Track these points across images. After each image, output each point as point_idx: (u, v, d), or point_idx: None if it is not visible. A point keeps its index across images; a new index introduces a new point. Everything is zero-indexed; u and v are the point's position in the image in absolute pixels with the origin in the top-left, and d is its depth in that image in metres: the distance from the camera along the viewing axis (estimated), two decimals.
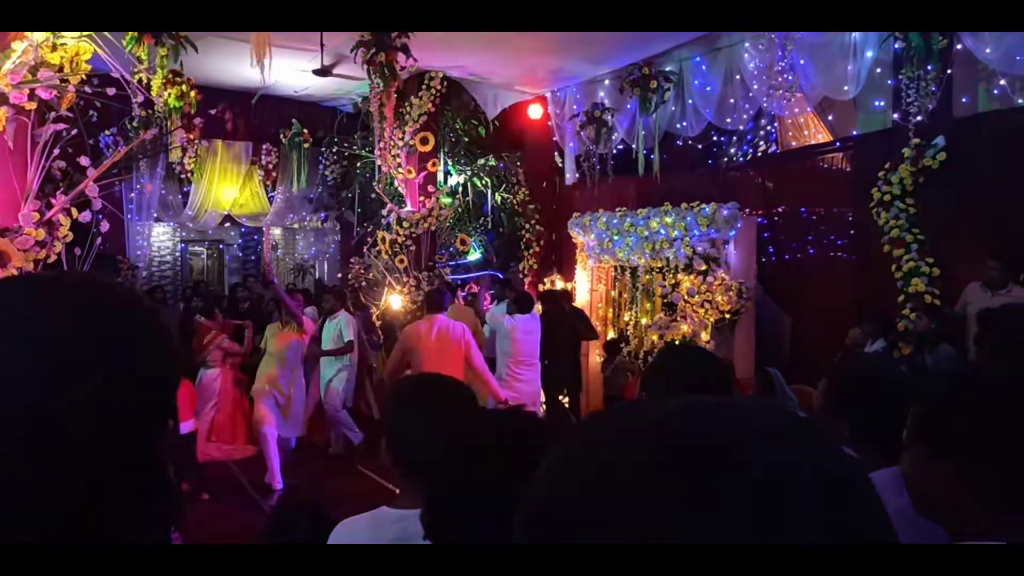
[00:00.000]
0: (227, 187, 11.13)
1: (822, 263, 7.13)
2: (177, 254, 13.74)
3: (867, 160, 6.54)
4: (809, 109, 7.73)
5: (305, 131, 10.67)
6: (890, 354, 5.89)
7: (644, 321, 7.96)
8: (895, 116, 6.20)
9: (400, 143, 8.81)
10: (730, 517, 0.39)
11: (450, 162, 9.84)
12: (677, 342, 6.89)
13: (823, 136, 8.29)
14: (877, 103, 6.67)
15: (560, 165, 10.15)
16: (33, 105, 4.52)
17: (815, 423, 0.47)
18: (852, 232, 6.88)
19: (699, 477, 0.41)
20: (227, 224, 12.77)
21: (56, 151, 4.64)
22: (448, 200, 9.50)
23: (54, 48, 4.50)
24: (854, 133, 7.37)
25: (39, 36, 4.35)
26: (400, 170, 8.98)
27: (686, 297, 6.88)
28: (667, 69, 7.99)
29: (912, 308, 5.82)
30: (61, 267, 4.78)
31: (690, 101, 8.03)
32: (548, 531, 0.44)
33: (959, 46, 5.79)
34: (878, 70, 6.43)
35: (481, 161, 10.13)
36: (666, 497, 0.41)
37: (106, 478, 0.63)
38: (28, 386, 0.59)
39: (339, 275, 11.76)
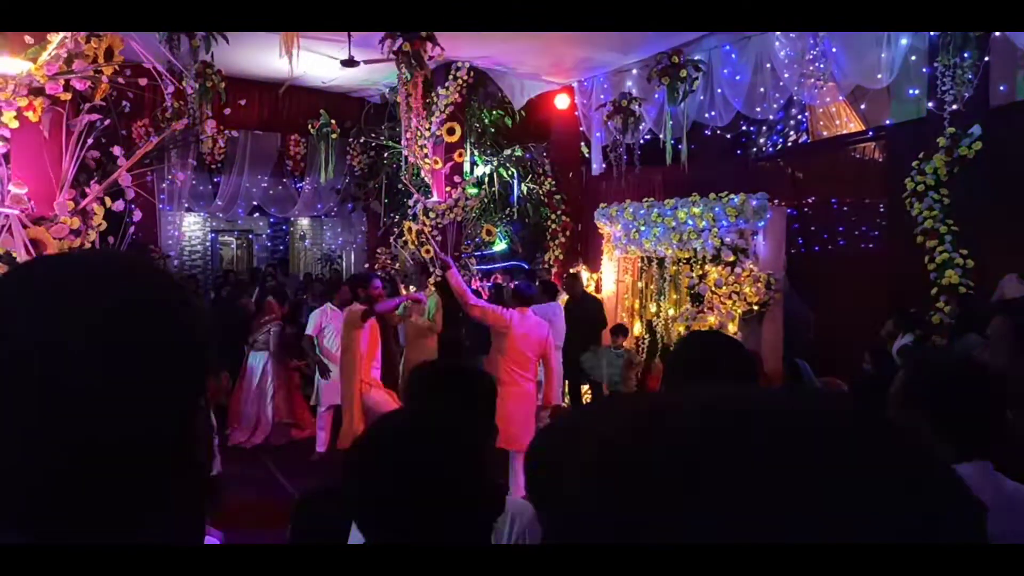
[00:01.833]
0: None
1: (853, 255, 7.02)
2: (208, 243, 13.93)
3: (900, 150, 6.42)
4: (841, 98, 7.60)
5: (333, 122, 10.74)
6: (920, 347, 5.80)
7: (671, 312, 7.92)
8: (930, 105, 6.07)
9: (427, 133, 8.83)
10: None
11: (476, 152, 9.83)
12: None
13: (855, 125, 8.15)
14: (911, 91, 6.53)
15: (587, 155, 10.10)
16: (68, 96, 4.60)
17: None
18: (884, 223, 6.77)
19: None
20: (256, 214, 12.92)
21: (90, 141, 4.72)
22: (474, 190, 9.51)
23: (88, 39, 4.57)
24: (887, 122, 7.23)
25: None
26: (427, 160, 9.00)
27: (713, 288, 6.83)
28: (696, 58, 7.90)
29: (945, 300, 5.72)
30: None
31: (719, 90, 7.92)
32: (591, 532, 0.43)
33: (997, 33, 5.65)
34: (913, 58, 6.30)
35: (507, 151, 10.12)
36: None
37: (137, 453, 0.63)
38: (62, 358, 0.60)
39: (366, 265, 11.82)
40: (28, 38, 4.40)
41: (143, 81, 4.75)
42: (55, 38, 4.39)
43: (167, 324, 0.65)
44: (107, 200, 4.83)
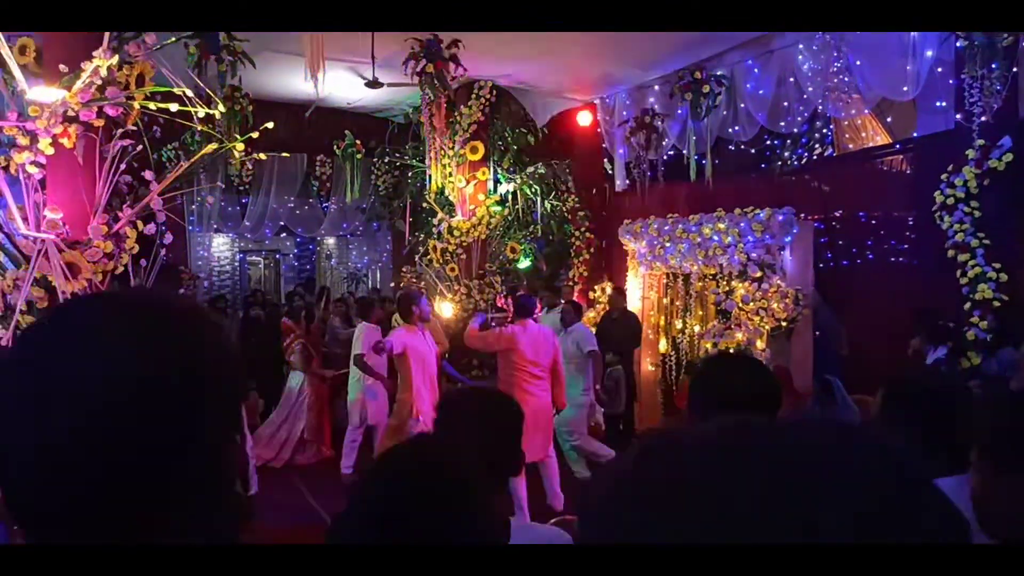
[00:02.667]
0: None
1: (882, 268, 6.93)
2: (236, 263, 14.11)
3: (929, 162, 6.35)
4: (867, 111, 7.54)
5: (358, 142, 10.87)
6: (954, 362, 5.70)
7: (697, 329, 7.86)
8: (958, 117, 6.00)
9: (450, 152, 8.90)
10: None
11: (499, 170, 9.89)
12: (731, 350, 6.78)
13: (881, 138, 8.07)
14: (939, 103, 6.46)
15: (610, 171, 10.11)
16: (101, 122, 4.71)
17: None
18: (913, 236, 6.68)
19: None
20: (283, 234, 13.07)
21: (122, 166, 4.82)
22: (497, 208, 9.55)
23: (120, 67, 4.68)
24: (915, 135, 7.15)
25: (108, 58, 4.52)
26: (451, 179, 9.06)
27: (740, 304, 6.77)
28: (718, 73, 7.89)
29: (980, 315, 5.62)
30: (128, 279, 4.96)
31: (742, 105, 7.90)
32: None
33: None
34: (939, 69, 6.23)
35: (530, 169, 10.16)
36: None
37: (172, 494, 0.65)
38: (98, 399, 0.62)
39: (391, 284, 11.90)
40: (63, 67, 4.53)
41: (173, 107, 4.85)
42: (89, 66, 4.51)
43: (204, 365, 0.67)
44: (139, 223, 4.92)
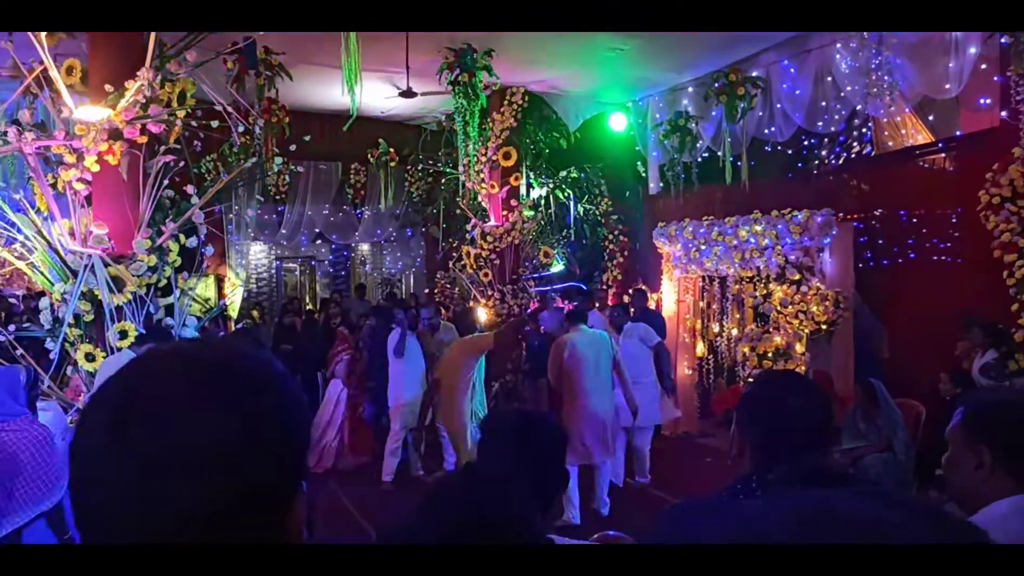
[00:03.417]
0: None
1: (924, 267, 6.78)
2: (273, 271, 14.31)
3: (972, 161, 6.20)
4: (908, 109, 7.39)
5: (391, 150, 10.96)
6: (1003, 366, 5.56)
7: (735, 332, 7.78)
8: (1003, 114, 5.86)
9: (483, 159, 8.93)
10: None
11: (532, 175, 9.89)
12: (770, 354, 6.69)
13: (923, 136, 7.90)
14: (983, 101, 6.31)
15: (643, 174, 10.05)
16: (144, 139, 4.82)
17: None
18: (957, 235, 6.53)
19: None
20: (318, 241, 13.22)
21: (166, 182, 4.92)
22: (530, 213, 9.56)
23: (162, 84, 4.78)
24: (957, 133, 6.99)
25: (152, 76, 4.62)
26: (483, 185, 9.09)
27: (779, 308, 6.68)
28: (753, 74, 7.80)
29: None
30: (171, 290, 5.06)
31: (778, 105, 7.79)
32: None
33: None
34: (983, 66, 6.09)
35: (563, 173, 10.15)
36: None
37: (245, 524, 0.67)
38: (205, 466, 0.64)
39: (426, 290, 11.98)
40: (108, 87, 4.64)
41: (214, 123, 4.94)
42: (132, 85, 4.62)
43: (276, 425, 0.70)
44: (181, 237, 5.03)
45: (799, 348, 6.61)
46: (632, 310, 7.55)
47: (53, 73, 4.66)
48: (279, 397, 0.71)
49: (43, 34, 4.61)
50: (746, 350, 6.93)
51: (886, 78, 6.23)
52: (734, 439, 1.66)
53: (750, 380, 6.86)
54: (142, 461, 0.63)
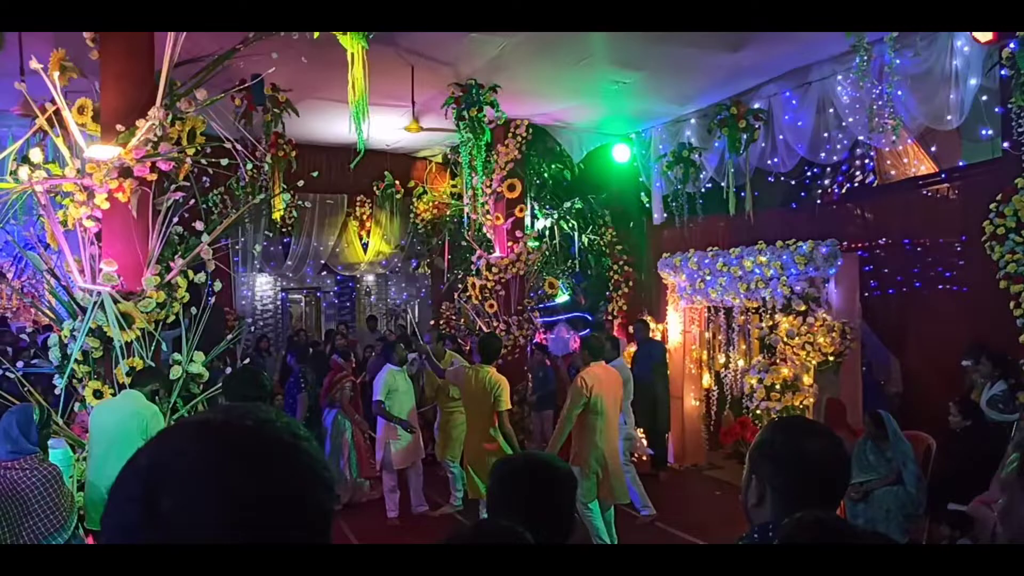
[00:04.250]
0: (325, 238, 11.63)
1: (930, 298, 6.78)
2: (278, 302, 14.34)
3: (976, 191, 6.22)
4: (910, 140, 7.43)
5: (397, 182, 11.05)
6: (1012, 397, 5.53)
7: (741, 363, 7.75)
8: (1005, 145, 5.89)
9: (488, 190, 8.99)
10: None
11: (536, 206, 9.95)
12: (777, 386, 6.66)
13: (925, 166, 7.95)
14: (985, 132, 6.35)
15: (647, 205, 10.10)
16: (154, 176, 4.87)
17: None
18: (962, 263, 6.54)
19: None
20: (323, 272, 13.27)
21: (175, 219, 4.96)
22: (535, 244, 9.59)
23: (172, 123, 4.84)
24: (960, 163, 7.03)
25: (162, 115, 4.67)
26: (488, 217, 9.15)
27: (785, 339, 6.66)
28: (755, 106, 7.87)
29: None
30: (180, 326, 5.08)
31: (781, 137, 7.85)
32: None
33: None
34: (984, 97, 6.14)
35: (567, 204, 10.20)
36: None
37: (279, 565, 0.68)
38: (214, 532, 0.65)
39: (431, 321, 11.98)
40: (119, 126, 4.70)
41: (223, 161, 4.99)
42: (143, 124, 4.68)
43: (300, 495, 0.72)
44: (190, 273, 5.05)
45: (807, 380, 6.59)
46: (616, 345, 7.54)
47: (65, 112, 4.72)
48: (306, 463, 0.72)
49: (56, 73, 4.68)
50: (753, 382, 6.90)
51: (888, 109, 6.27)
52: (751, 488, 1.60)
53: (758, 412, 6.83)
54: (171, 533, 0.64)
